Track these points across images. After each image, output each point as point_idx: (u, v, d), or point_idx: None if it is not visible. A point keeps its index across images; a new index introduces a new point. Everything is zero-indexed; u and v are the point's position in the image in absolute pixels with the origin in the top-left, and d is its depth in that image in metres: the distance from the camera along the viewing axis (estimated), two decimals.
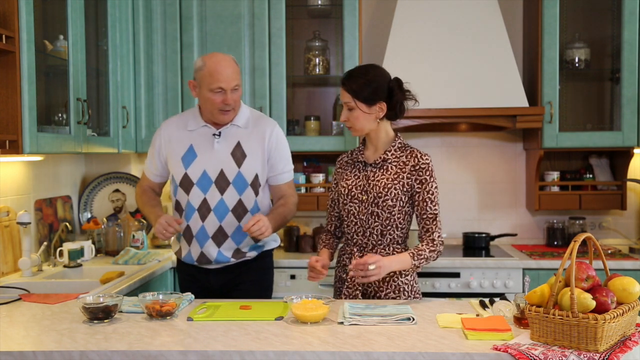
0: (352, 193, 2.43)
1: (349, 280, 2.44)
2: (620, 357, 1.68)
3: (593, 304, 1.71)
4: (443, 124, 3.73)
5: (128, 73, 3.56)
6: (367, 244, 2.43)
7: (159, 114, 3.67)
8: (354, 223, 2.44)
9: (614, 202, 3.66)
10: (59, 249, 3.14)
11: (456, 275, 3.40)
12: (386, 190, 2.37)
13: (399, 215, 2.39)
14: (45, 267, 3.09)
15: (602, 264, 1.90)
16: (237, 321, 2.05)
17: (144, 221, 3.67)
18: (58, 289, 2.75)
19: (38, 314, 2.18)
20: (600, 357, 1.67)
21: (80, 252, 3.20)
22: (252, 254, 2.70)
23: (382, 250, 2.41)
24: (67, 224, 3.39)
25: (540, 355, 1.67)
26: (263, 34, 3.61)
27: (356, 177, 2.45)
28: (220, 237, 2.65)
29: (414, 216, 2.44)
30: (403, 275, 2.42)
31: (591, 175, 3.80)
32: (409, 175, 2.37)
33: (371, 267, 2.19)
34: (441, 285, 3.38)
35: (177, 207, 2.71)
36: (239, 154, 2.63)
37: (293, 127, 3.83)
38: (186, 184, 2.65)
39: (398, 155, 2.41)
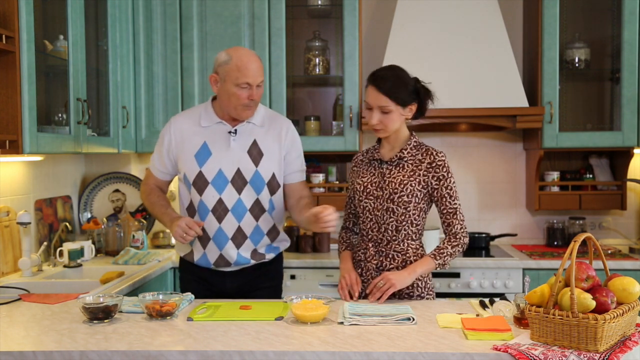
0: (368, 190, 2.45)
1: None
2: (620, 357, 1.68)
3: (593, 304, 1.71)
4: (443, 124, 3.73)
5: (128, 73, 3.56)
6: (382, 239, 2.44)
7: (159, 114, 3.67)
8: (369, 219, 2.45)
9: (614, 202, 3.66)
10: (59, 249, 3.14)
11: (456, 275, 3.40)
12: (402, 186, 2.38)
13: (414, 212, 2.41)
14: (45, 267, 3.09)
15: (602, 264, 1.90)
16: (237, 321, 2.05)
17: (144, 221, 3.68)
18: (58, 289, 2.74)
19: (38, 314, 2.18)
20: (600, 357, 1.67)
21: (80, 252, 3.20)
22: (270, 256, 2.64)
23: (397, 246, 2.42)
24: (67, 224, 3.39)
25: (540, 356, 1.67)
26: (263, 34, 3.60)
27: (372, 174, 2.47)
28: (239, 238, 2.55)
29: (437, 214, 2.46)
30: None
31: (591, 175, 3.80)
32: (425, 173, 2.40)
33: (380, 284, 2.29)
34: (441, 285, 3.38)
35: (189, 207, 2.58)
36: (255, 153, 2.55)
37: None
38: (200, 182, 2.52)
39: (414, 154, 2.43)
